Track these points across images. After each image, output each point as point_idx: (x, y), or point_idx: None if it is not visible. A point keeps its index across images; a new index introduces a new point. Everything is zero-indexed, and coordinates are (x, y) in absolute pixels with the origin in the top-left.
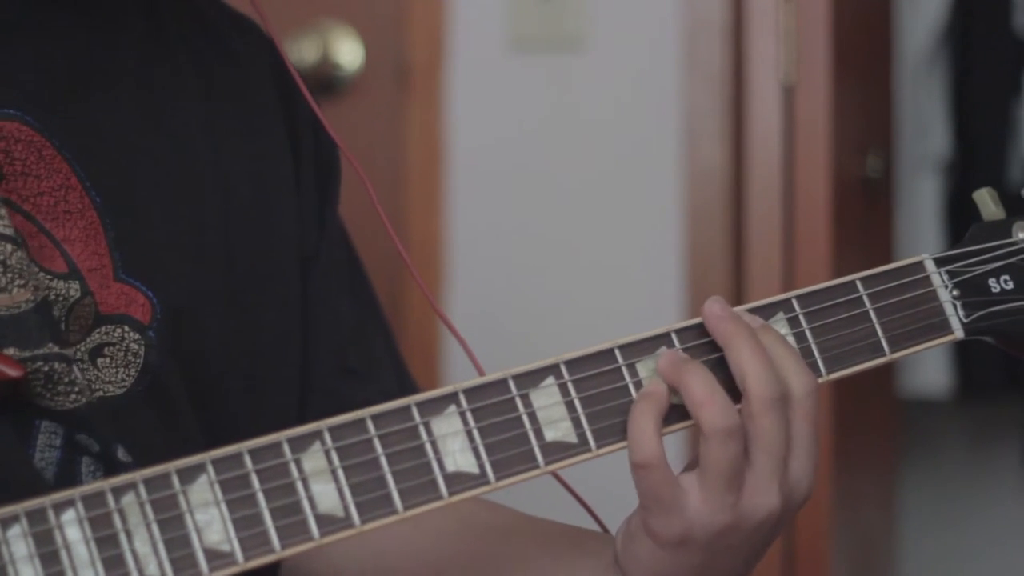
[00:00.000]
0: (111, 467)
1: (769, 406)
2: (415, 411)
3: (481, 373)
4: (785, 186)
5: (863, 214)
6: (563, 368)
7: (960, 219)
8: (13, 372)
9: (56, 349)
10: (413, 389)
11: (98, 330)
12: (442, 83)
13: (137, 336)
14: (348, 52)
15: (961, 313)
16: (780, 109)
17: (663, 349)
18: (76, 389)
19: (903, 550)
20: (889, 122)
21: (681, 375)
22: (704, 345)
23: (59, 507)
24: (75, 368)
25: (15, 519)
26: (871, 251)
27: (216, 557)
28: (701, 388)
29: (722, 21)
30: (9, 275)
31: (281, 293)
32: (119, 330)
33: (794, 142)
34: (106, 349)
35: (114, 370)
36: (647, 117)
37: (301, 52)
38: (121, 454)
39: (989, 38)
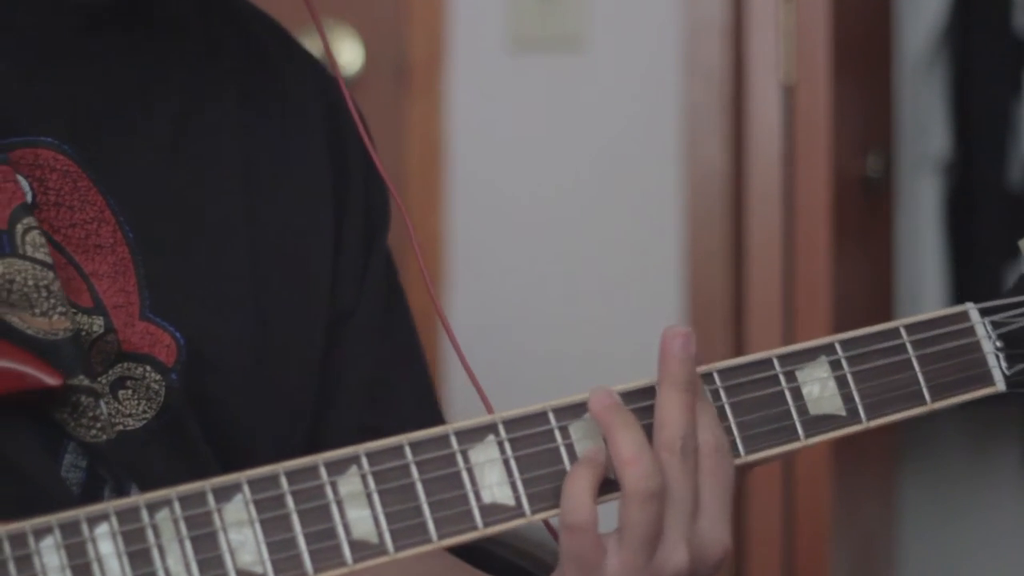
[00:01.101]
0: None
1: (679, 457)
2: (453, 439)
3: (490, 410)
4: (785, 186)
5: (863, 214)
6: None
7: (960, 219)
8: (52, 380)
9: (86, 382)
10: None
11: (120, 365)
12: (442, 83)
13: (159, 377)
14: (348, 52)
15: (1004, 365)
16: (780, 109)
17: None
18: (99, 424)
19: (903, 550)
20: (889, 122)
21: (610, 425)
22: None
23: (93, 520)
24: (102, 403)
25: (48, 530)
26: (871, 251)
27: None
28: (629, 446)
29: (722, 21)
30: (51, 301)
31: (305, 347)
32: (140, 368)
33: (794, 142)
34: (128, 382)
35: (135, 403)
36: (647, 117)
37: None
38: (134, 493)
39: (989, 38)
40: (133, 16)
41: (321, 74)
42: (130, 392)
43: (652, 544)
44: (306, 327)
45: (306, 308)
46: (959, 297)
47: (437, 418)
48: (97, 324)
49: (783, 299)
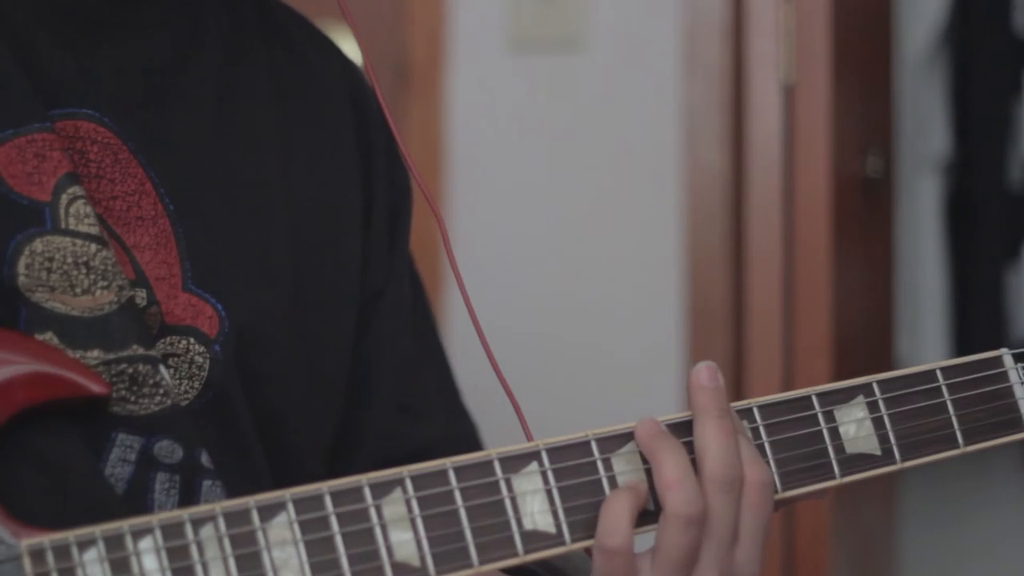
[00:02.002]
0: (192, 474)
1: (722, 488)
2: (497, 466)
3: (529, 437)
4: (785, 186)
5: (863, 214)
6: None
7: (960, 219)
8: (98, 388)
9: (141, 351)
10: (463, 428)
11: (163, 340)
12: (442, 83)
13: (203, 349)
14: (348, 52)
15: None
16: (780, 109)
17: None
18: (162, 391)
19: (903, 550)
20: (889, 122)
21: (656, 450)
22: None
23: (137, 534)
24: (161, 368)
25: (92, 542)
26: (871, 251)
27: None
28: (673, 469)
29: (722, 21)
30: (92, 276)
31: (339, 321)
32: (184, 341)
33: (794, 142)
34: (171, 359)
35: (177, 381)
36: (647, 117)
37: None
38: (204, 459)
39: (989, 38)
40: None
41: (343, 60)
42: (172, 371)
43: (686, 569)
44: (339, 304)
45: (339, 285)
46: (959, 298)
47: (460, 408)
48: (140, 296)
49: (783, 299)
